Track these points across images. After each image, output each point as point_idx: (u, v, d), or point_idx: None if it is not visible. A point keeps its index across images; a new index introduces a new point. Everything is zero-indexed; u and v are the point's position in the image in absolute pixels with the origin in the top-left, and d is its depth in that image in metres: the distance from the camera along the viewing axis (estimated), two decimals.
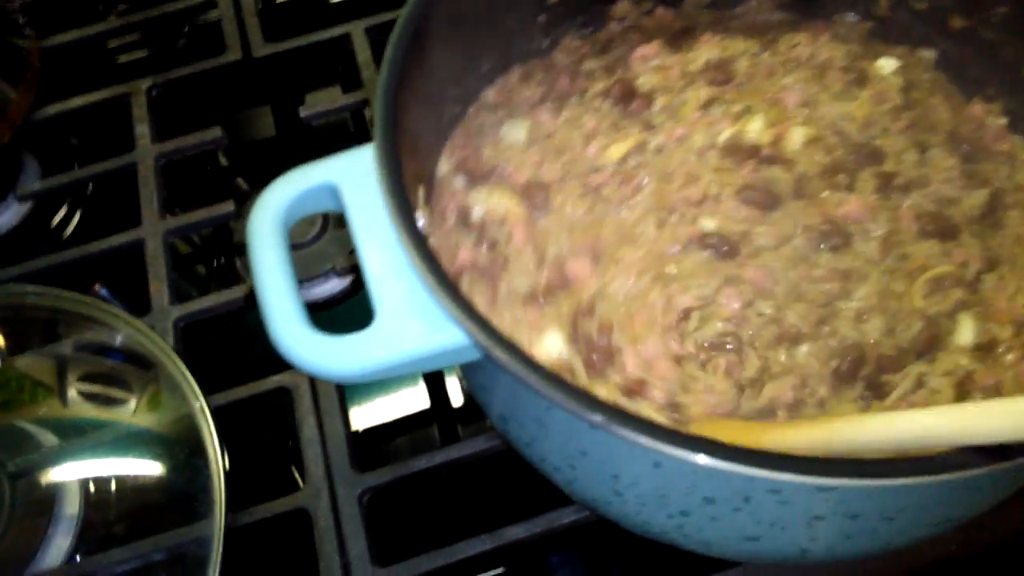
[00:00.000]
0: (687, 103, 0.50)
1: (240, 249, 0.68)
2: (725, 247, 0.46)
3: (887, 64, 0.52)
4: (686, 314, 0.45)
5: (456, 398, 0.64)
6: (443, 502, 0.58)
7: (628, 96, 0.51)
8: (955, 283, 0.44)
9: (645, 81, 0.52)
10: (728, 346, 0.44)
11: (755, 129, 0.49)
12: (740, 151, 0.48)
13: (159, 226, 0.64)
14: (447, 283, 0.35)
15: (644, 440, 0.30)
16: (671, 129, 0.49)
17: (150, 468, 0.58)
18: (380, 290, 0.38)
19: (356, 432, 0.57)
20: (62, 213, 0.76)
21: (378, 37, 0.73)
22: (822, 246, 0.46)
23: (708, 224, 0.47)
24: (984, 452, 0.28)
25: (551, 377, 0.32)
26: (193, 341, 0.61)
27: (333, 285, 0.65)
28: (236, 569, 0.51)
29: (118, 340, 0.61)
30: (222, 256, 0.73)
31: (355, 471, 0.53)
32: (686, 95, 0.51)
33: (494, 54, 0.52)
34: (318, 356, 0.37)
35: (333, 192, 0.41)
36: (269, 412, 0.64)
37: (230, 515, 0.52)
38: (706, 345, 0.44)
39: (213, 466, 0.54)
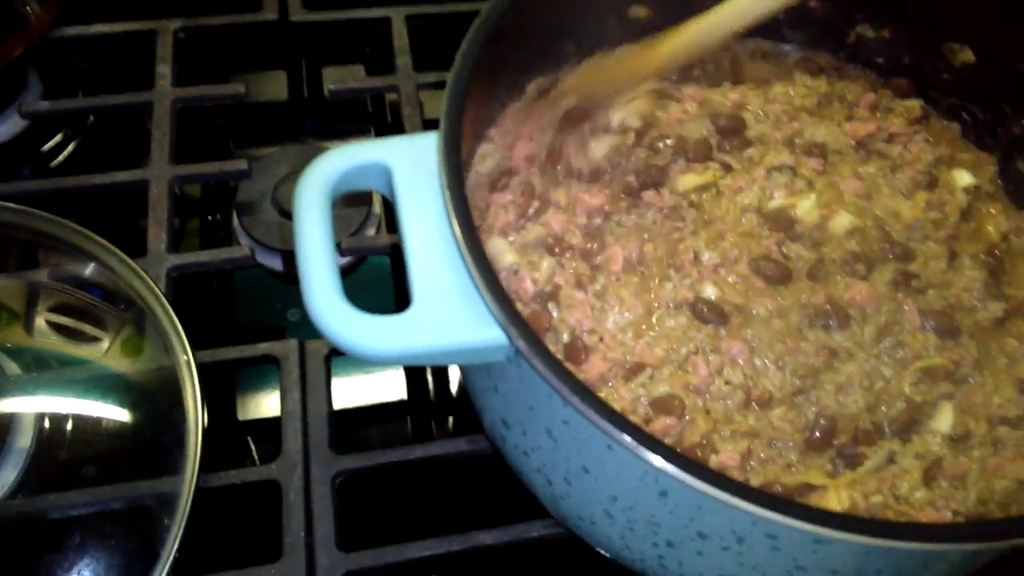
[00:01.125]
0: (762, 159, 0.52)
1: (242, 208, 0.67)
2: (714, 319, 0.46)
3: (961, 178, 0.53)
4: (638, 368, 0.44)
5: (435, 392, 0.64)
6: (415, 497, 0.58)
7: (734, 132, 0.53)
8: (945, 376, 0.46)
9: (755, 125, 0.54)
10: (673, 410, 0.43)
11: (805, 207, 0.50)
12: (778, 221, 0.49)
13: (168, 170, 0.63)
14: (496, 282, 0.36)
15: (672, 469, 0.31)
16: (735, 179, 0.51)
17: (116, 414, 0.56)
18: (421, 277, 0.38)
19: (334, 419, 0.57)
20: (56, 140, 0.74)
21: (417, 25, 0.73)
22: (816, 324, 0.46)
23: (708, 291, 0.47)
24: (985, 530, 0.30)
25: (592, 396, 0.33)
26: (179, 295, 0.60)
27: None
28: (197, 532, 0.50)
29: (100, 275, 0.59)
30: (218, 213, 0.72)
31: (332, 452, 0.53)
32: (768, 152, 0.52)
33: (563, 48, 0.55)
34: (352, 332, 0.37)
35: (384, 173, 0.42)
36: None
37: (202, 476, 0.51)
38: (647, 403, 0.44)
39: (191, 422, 0.53)
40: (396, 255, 0.66)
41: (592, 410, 0.33)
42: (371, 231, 0.67)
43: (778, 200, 0.50)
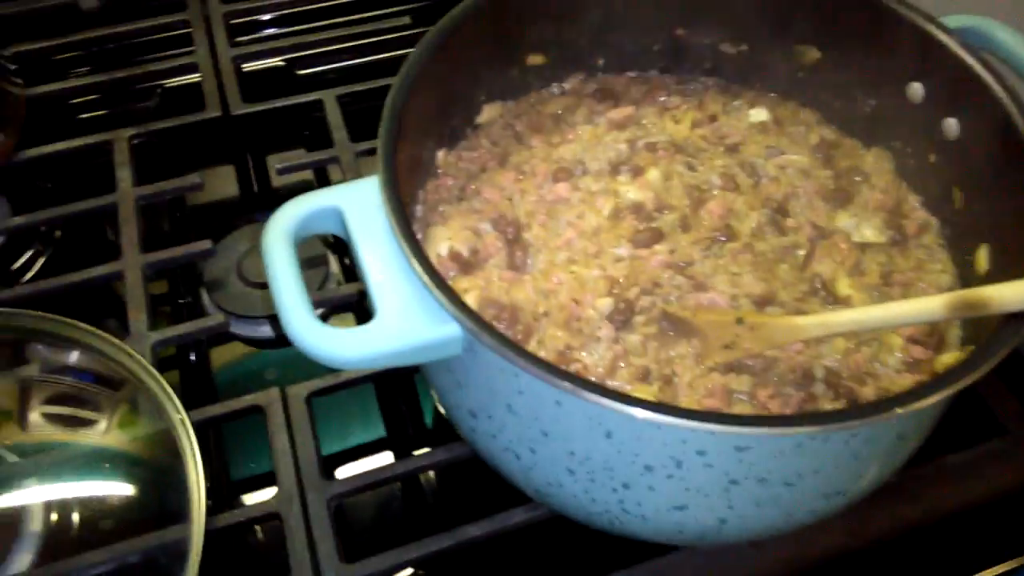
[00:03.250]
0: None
1: (211, 285, 0.73)
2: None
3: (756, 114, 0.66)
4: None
5: (412, 426, 0.70)
6: (405, 515, 0.63)
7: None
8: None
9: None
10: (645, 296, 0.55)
11: (652, 175, 0.61)
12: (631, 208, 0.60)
13: (139, 259, 0.69)
14: (443, 282, 0.43)
15: (605, 402, 0.38)
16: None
17: (120, 486, 0.60)
18: (380, 293, 0.45)
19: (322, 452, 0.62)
20: (26, 256, 0.80)
21: (347, 104, 0.81)
22: (712, 247, 0.58)
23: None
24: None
25: (532, 355, 0.40)
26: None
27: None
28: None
29: (88, 361, 0.64)
30: (188, 296, 0.78)
31: (324, 479, 0.59)
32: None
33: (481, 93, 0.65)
34: (327, 344, 0.44)
35: (337, 215, 0.49)
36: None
37: (208, 519, 0.56)
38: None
39: (192, 475, 0.58)
40: (358, 305, 0.72)
41: (536, 367, 0.40)
42: (332, 286, 0.73)
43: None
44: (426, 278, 0.43)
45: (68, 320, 0.65)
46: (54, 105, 0.84)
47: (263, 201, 0.88)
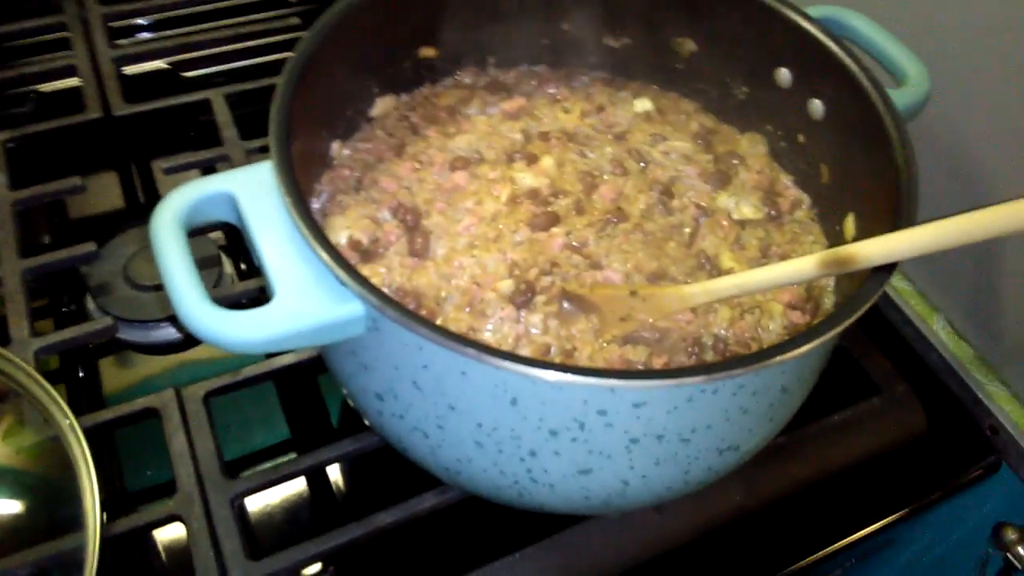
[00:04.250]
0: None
1: (97, 290, 0.71)
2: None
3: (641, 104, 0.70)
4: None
5: (316, 427, 0.69)
6: (314, 505, 0.62)
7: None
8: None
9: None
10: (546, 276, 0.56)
11: (546, 163, 0.64)
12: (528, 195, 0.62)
13: (18, 264, 0.66)
14: (343, 260, 0.43)
15: (509, 365, 0.39)
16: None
17: (7, 504, 0.57)
18: (278, 276, 0.45)
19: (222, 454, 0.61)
20: None
21: (236, 103, 0.80)
22: (606, 228, 0.60)
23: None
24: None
25: (435, 325, 0.41)
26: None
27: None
28: None
29: None
30: (72, 304, 0.75)
31: (225, 478, 0.57)
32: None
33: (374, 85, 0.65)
34: (225, 327, 0.43)
35: (229, 200, 0.48)
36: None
37: (105, 526, 0.53)
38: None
39: (84, 479, 0.55)
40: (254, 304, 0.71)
41: (441, 336, 0.40)
42: (227, 284, 0.72)
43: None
44: (326, 256, 0.43)
45: None
46: None
47: (148, 210, 0.85)
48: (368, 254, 0.56)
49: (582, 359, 0.53)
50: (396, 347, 0.45)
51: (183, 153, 0.85)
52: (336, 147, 0.63)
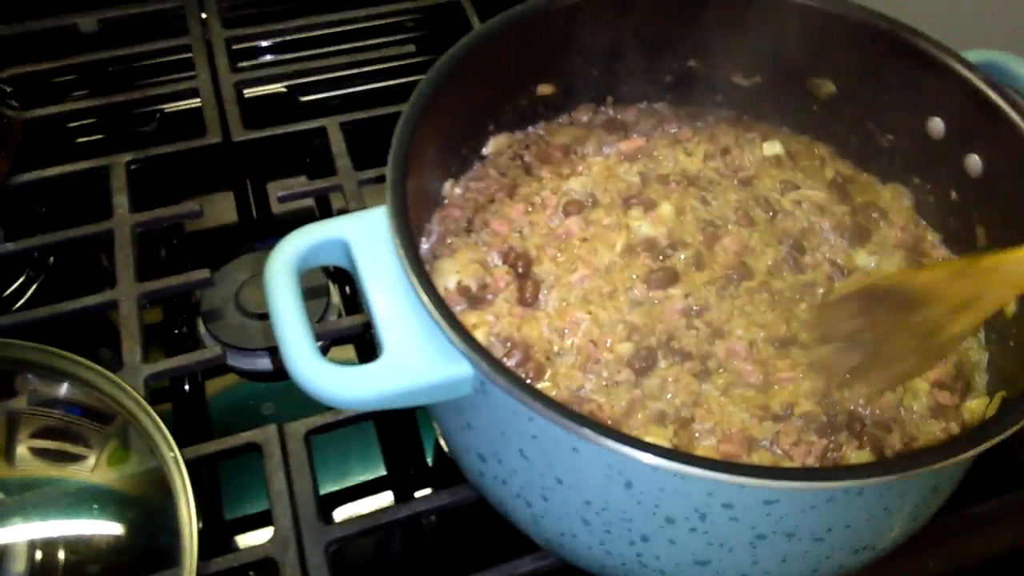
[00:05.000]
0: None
1: (208, 316, 0.71)
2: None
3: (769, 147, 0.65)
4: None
5: (413, 464, 0.68)
6: (405, 560, 0.61)
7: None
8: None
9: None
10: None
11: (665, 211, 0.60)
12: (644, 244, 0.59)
13: (135, 288, 0.67)
14: (454, 319, 0.40)
15: (630, 451, 0.36)
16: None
17: (108, 526, 0.58)
18: (387, 329, 0.43)
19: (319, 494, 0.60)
20: (19, 283, 0.77)
21: (350, 131, 0.80)
22: (728, 286, 0.56)
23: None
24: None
25: (548, 398, 0.38)
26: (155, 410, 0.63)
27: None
28: None
29: (79, 394, 0.62)
30: (184, 326, 0.76)
31: (322, 523, 0.56)
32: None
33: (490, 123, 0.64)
34: (331, 383, 0.41)
35: (342, 246, 0.47)
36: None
37: (201, 564, 0.53)
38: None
39: (183, 514, 0.55)
40: (360, 338, 0.70)
41: (553, 412, 0.37)
42: (332, 318, 0.71)
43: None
44: (437, 314, 0.41)
45: (58, 351, 0.62)
46: (51, 129, 0.83)
47: (263, 228, 0.86)
48: (476, 300, 0.54)
49: (701, 429, 0.49)
50: (504, 413, 0.42)
51: (297, 179, 0.86)
52: (448, 186, 0.61)
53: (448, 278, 0.54)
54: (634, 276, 0.55)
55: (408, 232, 0.43)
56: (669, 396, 0.50)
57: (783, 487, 0.36)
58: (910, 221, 0.61)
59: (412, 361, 0.42)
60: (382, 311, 0.44)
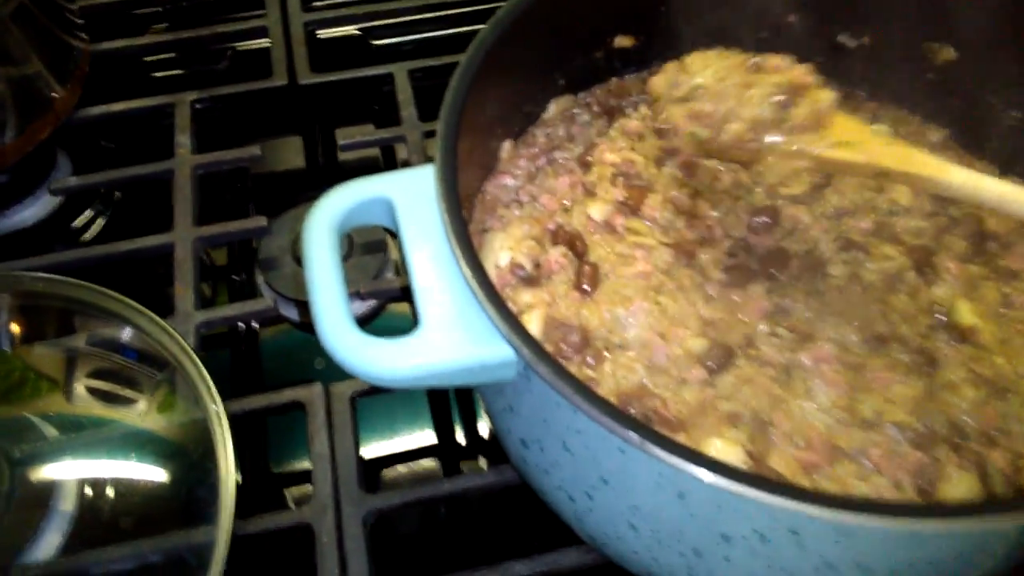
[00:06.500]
0: None
1: (264, 264, 0.69)
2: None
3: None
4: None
5: (465, 435, 0.65)
6: (446, 532, 0.58)
7: None
8: None
9: None
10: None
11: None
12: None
13: (191, 232, 0.66)
14: (497, 297, 0.36)
15: (681, 464, 0.32)
16: None
17: (154, 472, 0.57)
18: (426, 300, 0.40)
19: (363, 459, 0.58)
20: (86, 216, 0.77)
21: (419, 79, 0.76)
22: None
23: None
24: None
25: (593, 395, 0.34)
26: (209, 356, 0.62)
27: (355, 308, 0.66)
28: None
29: (135, 338, 0.61)
30: (243, 272, 0.75)
31: (362, 491, 0.54)
32: None
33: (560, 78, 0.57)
34: (364, 357, 0.38)
35: (387, 206, 0.43)
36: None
37: (236, 523, 0.52)
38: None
39: (223, 472, 0.54)
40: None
41: (598, 410, 0.33)
42: (389, 275, 0.68)
43: None
44: (480, 291, 0.37)
45: (111, 293, 0.62)
46: (121, 62, 0.81)
47: (330, 174, 0.83)
48: (530, 279, 0.50)
49: (779, 433, 0.43)
50: (547, 403, 0.38)
51: (364, 127, 0.83)
52: (508, 147, 0.56)
53: (499, 255, 0.50)
54: (707, 266, 0.50)
55: (455, 199, 0.39)
56: (745, 396, 0.44)
57: (860, 522, 0.31)
58: (1015, 230, 0.53)
59: (450, 338, 0.38)
60: (423, 281, 0.40)
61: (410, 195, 0.43)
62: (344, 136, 0.74)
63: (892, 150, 0.46)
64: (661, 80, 0.49)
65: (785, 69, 0.47)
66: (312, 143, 0.85)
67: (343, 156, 0.79)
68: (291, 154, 0.85)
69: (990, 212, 0.52)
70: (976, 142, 0.57)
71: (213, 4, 0.88)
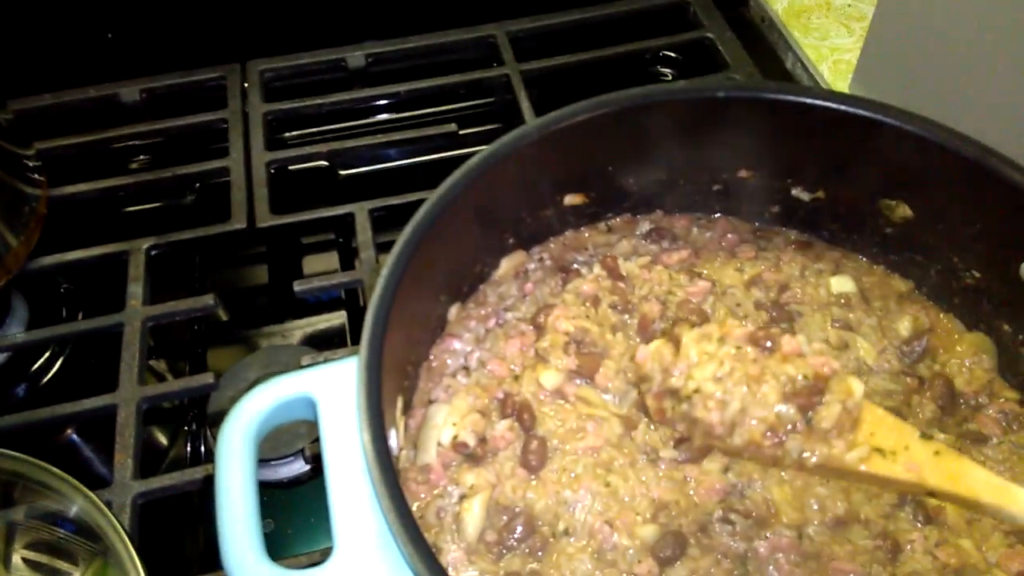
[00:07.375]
0: None
1: (212, 419, 0.67)
2: None
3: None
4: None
5: None
6: None
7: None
8: None
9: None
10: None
11: None
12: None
13: (135, 392, 0.64)
14: (419, 538, 0.34)
15: None
16: None
17: None
18: (343, 521, 0.37)
19: None
20: (44, 357, 0.75)
21: (379, 218, 0.75)
22: None
23: None
24: None
25: None
26: (149, 516, 0.60)
27: (298, 467, 0.64)
28: None
29: (71, 511, 0.59)
30: (194, 424, 0.72)
31: None
32: None
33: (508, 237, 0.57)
34: None
35: (311, 404, 0.41)
36: None
37: None
38: None
39: None
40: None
41: None
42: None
43: None
44: (410, 548, 0.34)
45: (48, 467, 0.59)
46: (83, 205, 0.80)
47: (290, 309, 0.82)
48: (474, 456, 0.48)
49: None
50: None
51: (327, 255, 0.82)
52: (455, 310, 0.55)
53: (443, 430, 0.48)
54: (661, 438, 0.48)
55: (378, 421, 0.37)
56: None
57: None
58: (983, 389, 0.51)
59: (367, 571, 0.36)
60: (340, 496, 0.38)
61: (334, 394, 0.41)
62: (307, 273, 0.73)
63: (943, 464, 0.39)
64: (649, 360, 0.47)
65: (802, 355, 0.44)
66: (276, 272, 0.84)
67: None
68: (257, 274, 0.84)
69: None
70: (944, 295, 0.55)
71: (180, 140, 0.88)
